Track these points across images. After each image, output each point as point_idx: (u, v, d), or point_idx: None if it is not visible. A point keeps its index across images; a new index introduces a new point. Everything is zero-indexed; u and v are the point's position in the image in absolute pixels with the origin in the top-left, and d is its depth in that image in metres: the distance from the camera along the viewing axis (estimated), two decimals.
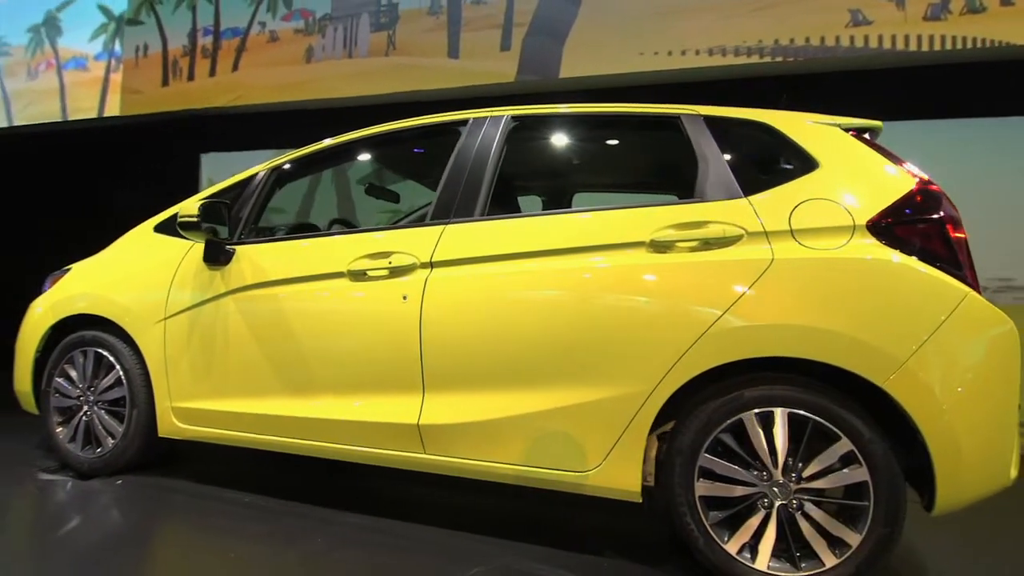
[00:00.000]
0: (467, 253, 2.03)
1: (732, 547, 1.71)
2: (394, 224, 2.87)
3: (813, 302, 1.69)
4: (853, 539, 1.63)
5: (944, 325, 1.61)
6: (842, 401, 1.66)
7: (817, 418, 1.66)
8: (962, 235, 1.74)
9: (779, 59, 4.01)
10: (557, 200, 3.02)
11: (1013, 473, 1.67)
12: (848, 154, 1.88)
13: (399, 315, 2.05)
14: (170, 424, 2.41)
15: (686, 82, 4.29)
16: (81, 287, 2.65)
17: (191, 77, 5.42)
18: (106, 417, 2.55)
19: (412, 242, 2.11)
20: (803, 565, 1.66)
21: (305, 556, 1.89)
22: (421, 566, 1.87)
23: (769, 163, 2.01)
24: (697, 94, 4.35)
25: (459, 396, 1.98)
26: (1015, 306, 3.73)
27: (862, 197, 1.78)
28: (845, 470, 1.66)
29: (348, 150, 2.52)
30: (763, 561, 1.68)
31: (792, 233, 1.76)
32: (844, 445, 1.65)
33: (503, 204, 2.34)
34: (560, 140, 2.51)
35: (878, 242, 1.71)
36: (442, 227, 2.10)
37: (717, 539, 1.73)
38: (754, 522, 1.70)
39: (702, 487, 1.75)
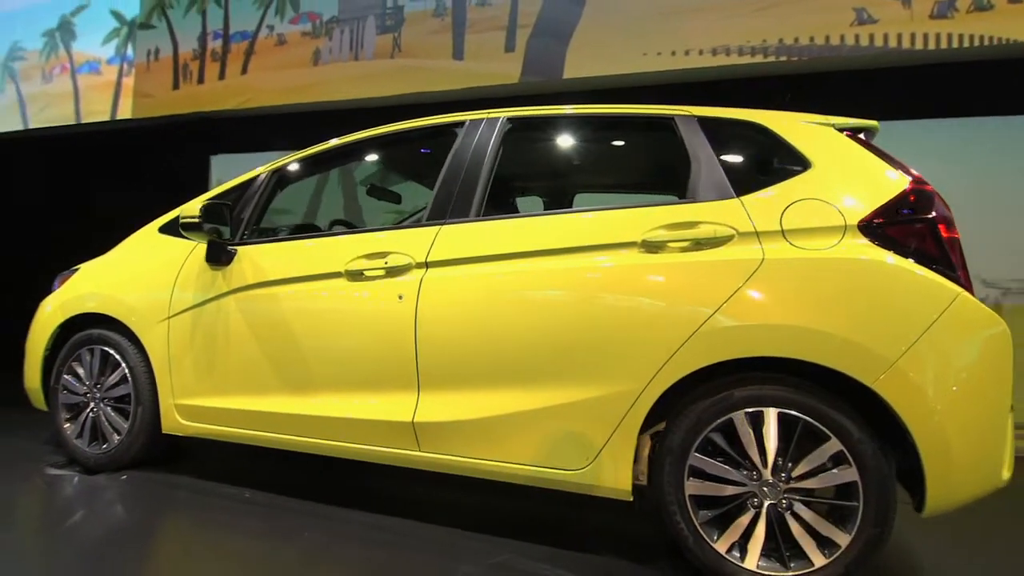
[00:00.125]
0: (462, 253, 2.05)
1: (722, 546, 1.72)
2: (397, 225, 2.90)
3: (802, 302, 1.69)
4: (842, 539, 1.63)
5: (935, 326, 1.61)
6: (832, 401, 1.66)
7: (807, 418, 1.66)
8: (955, 235, 1.73)
9: (783, 59, 3.99)
10: (555, 201, 3.04)
11: (1005, 474, 1.66)
12: (841, 154, 1.87)
13: (395, 314, 2.08)
14: (173, 421, 2.46)
15: (690, 82, 4.29)
16: (88, 287, 2.71)
17: (201, 80, 5.50)
18: (112, 414, 2.60)
19: (408, 242, 2.14)
20: (792, 565, 1.67)
21: (302, 552, 1.92)
22: (417, 563, 1.89)
23: (762, 163, 2.01)
24: (701, 94, 4.35)
25: (453, 395, 2.01)
26: None
27: (854, 197, 1.77)
28: (835, 470, 1.66)
29: (347, 152, 2.55)
30: (752, 560, 1.69)
31: (783, 233, 1.76)
32: (834, 445, 1.65)
33: (500, 205, 2.37)
34: (556, 141, 2.52)
35: (869, 242, 1.71)
36: (438, 228, 2.12)
37: (707, 538, 1.73)
38: (744, 521, 1.71)
39: (692, 486, 1.76)
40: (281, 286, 2.29)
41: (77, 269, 2.82)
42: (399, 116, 2.44)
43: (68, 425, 2.68)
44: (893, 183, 1.78)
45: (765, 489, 1.70)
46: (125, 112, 5.69)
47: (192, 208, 2.36)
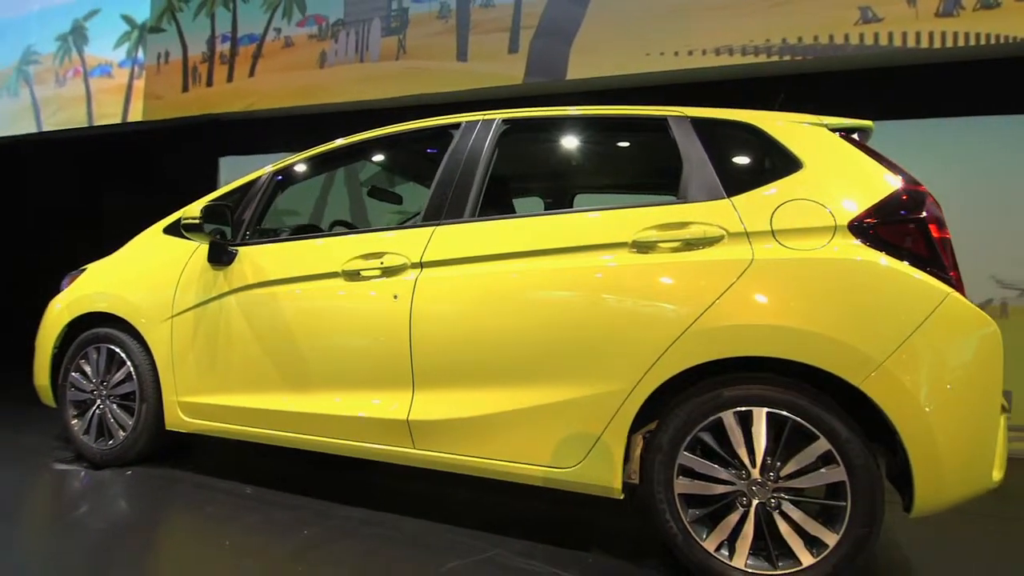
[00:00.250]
0: (456, 254, 2.08)
1: (710, 545, 1.73)
2: (395, 226, 2.93)
3: (791, 302, 1.70)
4: (830, 539, 1.64)
5: (923, 326, 1.61)
6: (820, 401, 1.67)
7: (795, 418, 1.67)
8: (946, 236, 1.73)
9: (787, 58, 3.98)
10: (551, 202, 3.05)
11: (996, 476, 1.65)
12: (833, 155, 1.87)
13: (390, 314, 2.11)
14: (176, 418, 2.51)
15: (693, 82, 4.28)
16: (95, 286, 2.77)
17: (210, 83, 5.58)
18: (117, 411, 2.66)
19: (404, 243, 2.17)
20: (780, 564, 1.67)
21: (297, 546, 1.96)
22: (405, 558, 1.92)
23: (754, 164, 2.02)
24: (705, 94, 4.36)
25: (446, 393, 2.03)
26: None
27: (845, 198, 1.77)
28: (823, 470, 1.66)
29: (345, 154, 2.59)
30: (741, 559, 1.70)
31: (773, 234, 1.77)
32: (822, 445, 1.65)
33: (497, 206, 2.38)
34: (551, 143, 2.54)
35: (859, 243, 1.71)
36: (433, 228, 2.15)
37: (696, 536, 1.74)
38: (732, 520, 1.72)
39: (681, 485, 1.77)
40: (280, 286, 2.33)
41: (84, 269, 2.88)
42: (404, 117, 2.47)
43: (76, 421, 2.74)
44: (884, 183, 1.78)
45: (754, 488, 1.70)
46: (136, 114, 5.79)
47: (193, 209, 2.41)
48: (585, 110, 2.23)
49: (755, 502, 1.70)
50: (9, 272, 6.23)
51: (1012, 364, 3.39)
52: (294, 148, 2.61)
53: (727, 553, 1.72)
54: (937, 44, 3.78)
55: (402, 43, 4.99)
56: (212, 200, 2.51)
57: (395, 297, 2.11)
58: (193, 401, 2.47)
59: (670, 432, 1.78)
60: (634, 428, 1.85)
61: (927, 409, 1.59)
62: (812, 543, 1.66)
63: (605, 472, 1.85)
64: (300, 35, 5.32)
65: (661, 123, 2.07)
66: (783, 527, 1.68)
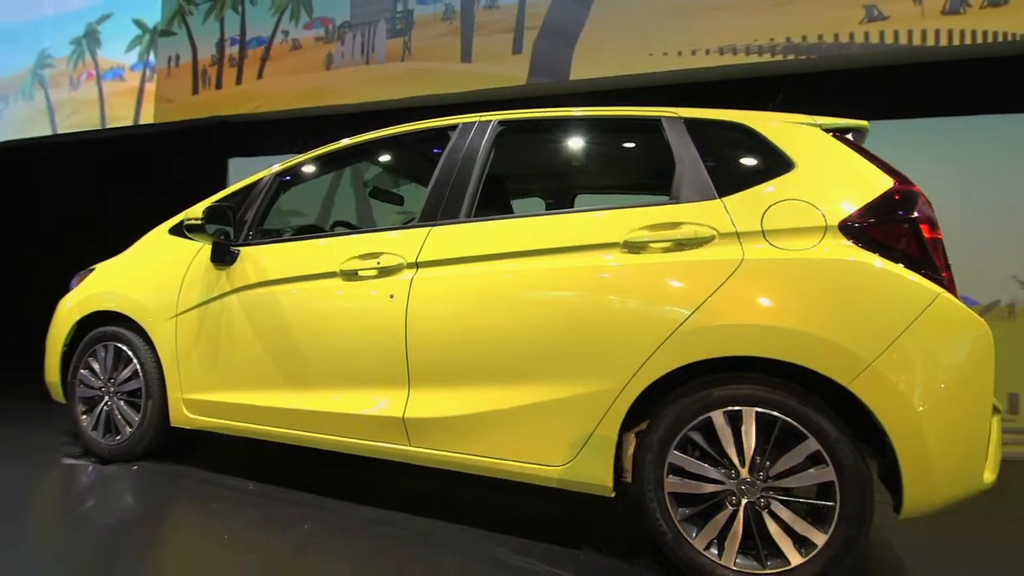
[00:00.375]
0: (451, 254, 2.10)
1: (700, 543, 1.74)
2: (396, 226, 2.96)
3: (780, 302, 1.71)
4: (819, 538, 1.64)
5: (913, 326, 1.61)
6: (809, 401, 1.67)
7: (784, 417, 1.68)
8: (938, 236, 1.72)
9: (791, 57, 3.96)
10: (550, 202, 3.07)
11: (988, 477, 1.65)
12: (825, 155, 1.88)
13: (386, 313, 2.14)
14: (180, 414, 2.57)
15: (697, 82, 4.28)
16: (103, 285, 2.83)
17: (219, 85, 5.66)
18: (124, 407, 2.72)
19: (400, 243, 2.20)
20: (769, 563, 1.68)
21: (295, 542, 2.00)
22: (405, 554, 1.95)
23: (746, 164, 2.02)
24: (709, 94, 4.35)
25: (441, 391, 2.06)
26: None
27: (836, 198, 1.78)
28: (812, 470, 1.67)
29: (345, 156, 2.63)
30: (730, 558, 1.71)
31: (764, 234, 1.78)
32: (811, 445, 1.66)
33: (494, 206, 2.40)
34: (547, 144, 2.56)
35: (850, 243, 1.71)
36: (428, 229, 2.18)
37: (685, 535, 1.76)
38: (722, 519, 1.73)
39: (671, 484, 1.78)
40: (280, 285, 2.37)
41: (93, 269, 2.95)
42: (410, 118, 2.49)
43: (84, 417, 2.81)
44: (876, 184, 1.78)
45: (743, 488, 1.71)
46: (147, 117, 5.89)
47: (196, 210, 2.46)
48: (580, 111, 2.24)
49: (744, 501, 1.71)
50: (23, 272, 6.36)
51: (1020, 366, 3.36)
52: (301, 149, 2.65)
53: (716, 552, 1.73)
54: (944, 42, 3.75)
55: (407, 45, 5.03)
56: (214, 201, 2.56)
57: (391, 297, 2.14)
58: (196, 398, 2.52)
59: (660, 431, 1.79)
60: (626, 427, 1.87)
61: (916, 409, 1.59)
62: (801, 543, 1.67)
63: (596, 470, 1.86)
64: (307, 37, 5.38)
65: (655, 124, 2.08)
66: (772, 527, 1.68)
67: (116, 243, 3.02)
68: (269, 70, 5.49)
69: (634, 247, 1.88)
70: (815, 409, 1.66)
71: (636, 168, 2.79)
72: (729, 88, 4.27)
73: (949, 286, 1.68)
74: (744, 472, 1.71)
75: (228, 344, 2.44)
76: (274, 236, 2.68)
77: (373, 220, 4.99)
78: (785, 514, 1.68)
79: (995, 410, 1.71)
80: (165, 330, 2.59)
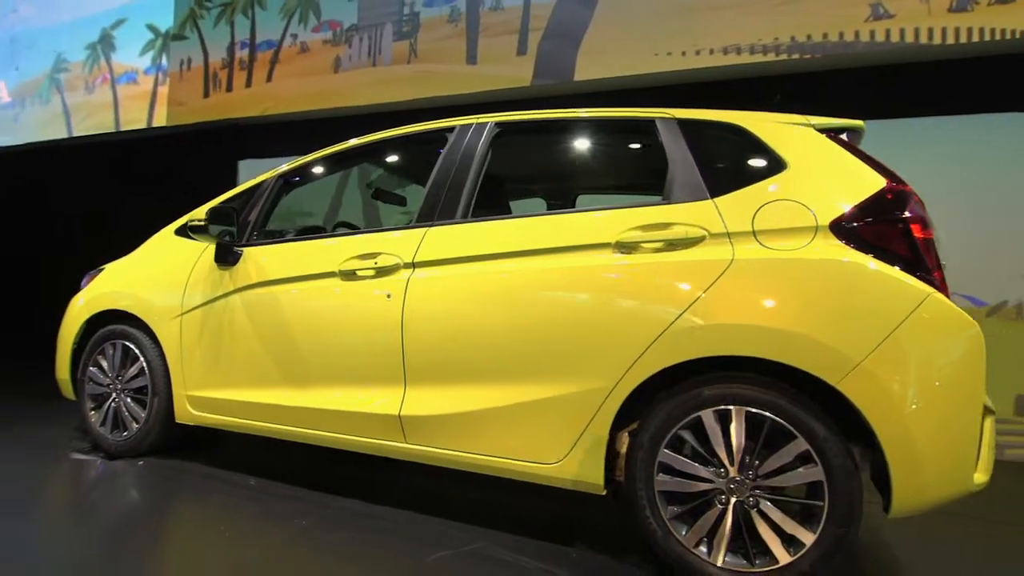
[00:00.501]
0: (446, 254, 2.13)
1: (689, 541, 1.75)
2: (394, 227, 2.99)
3: (769, 302, 1.71)
4: (807, 538, 1.64)
5: (902, 326, 1.60)
6: (799, 401, 1.67)
7: (774, 417, 1.68)
8: (929, 236, 1.72)
9: (795, 56, 3.95)
10: (547, 203, 3.08)
11: (980, 478, 1.64)
12: (818, 155, 1.88)
13: (383, 312, 2.17)
14: (185, 411, 2.62)
15: (701, 82, 4.27)
16: (112, 285, 2.90)
17: (230, 88, 5.76)
18: (131, 404, 2.78)
19: (397, 243, 2.23)
20: (758, 562, 1.68)
21: (291, 535, 2.03)
22: (393, 547, 1.98)
23: (738, 164, 2.03)
24: (713, 94, 4.34)
25: (436, 389, 2.09)
26: None
27: (828, 198, 1.78)
28: (800, 469, 1.67)
29: (346, 158, 2.67)
30: (719, 556, 1.71)
31: (754, 234, 1.78)
32: (800, 444, 1.66)
33: (491, 207, 2.43)
34: (544, 145, 2.58)
35: (840, 243, 1.71)
36: (425, 229, 2.21)
37: (675, 533, 1.77)
38: (711, 517, 1.74)
39: (661, 482, 1.79)
40: (281, 285, 2.41)
41: (102, 269, 3.02)
42: (416, 120, 2.52)
43: (93, 413, 2.87)
44: (868, 183, 1.78)
45: (732, 486, 1.72)
46: (160, 120, 6.00)
47: (201, 212, 2.51)
48: (576, 112, 2.26)
49: (733, 500, 1.71)
50: (37, 271, 6.51)
51: None
52: (310, 150, 2.69)
53: (706, 550, 1.74)
54: (951, 40, 3.71)
55: (413, 47, 5.08)
56: (218, 203, 2.61)
57: (388, 296, 2.17)
58: (200, 395, 2.58)
59: (651, 430, 1.81)
60: (620, 426, 1.89)
61: (905, 409, 1.59)
62: (790, 542, 1.67)
63: (587, 468, 1.88)
64: (315, 40, 5.46)
65: (649, 124, 2.09)
66: (761, 525, 1.69)
67: (128, 243, 3.09)
68: (278, 73, 5.57)
69: (626, 247, 1.89)
70: (805, 409, 1.66)
71: (632, 169, 2.80)
72: (734, 88, 4.26)
73: (941, 286, 1.67)
74: (733, 471, 1.72)
75: (230, 342, 2.49)
76: (277, 237, 2.73)
77: (380, 221, 5.04)
78: (774, 513, 1.68)
79: (988, 411, 1.70)
80: (170, 328, 2.65)
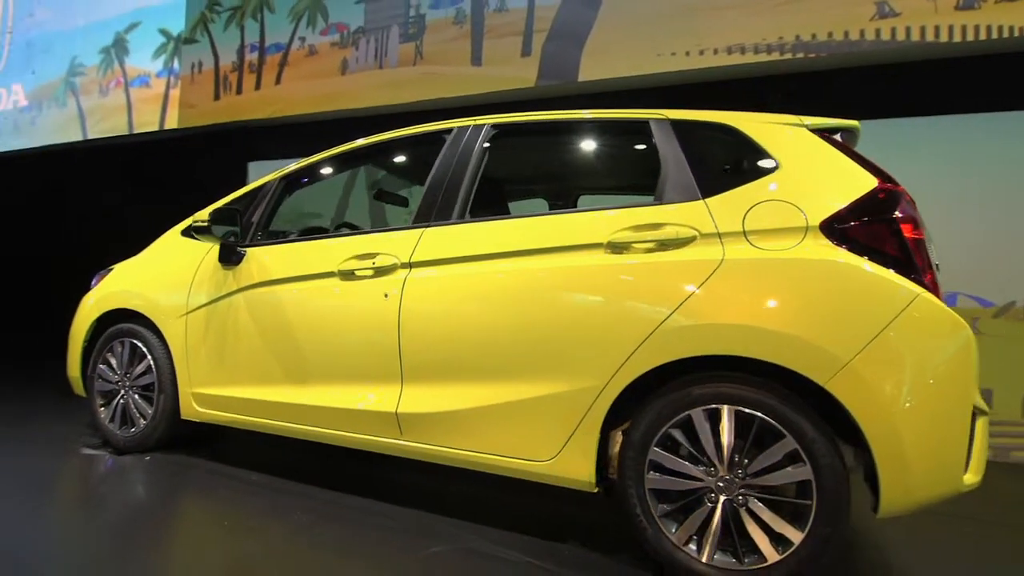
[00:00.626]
0: (443, 254, 2.17)
1: (679, 539, 1.77)
2: (392, 227, 3.02)
3: (758, 302, 1.72)
4: (796, 536, 1.65)
5: (891, 326, 1.61)
6: (788, 400, 1.68)
7: (763, 416, 1.69)
8: (920, 236, 1.72)
9: (800, 55, 3.93)
10: (551, 204, 3.11)
11: (970, 478, 1.64)
12: (810, 155, 1.88)
13: (381, 311, 2.21)
14: (190, 408, 2.68)
15: (705, 82, 4.27)
16: (120, 284, 2.98)
17: (239, 91, 5.84)
18: (139, 400, 2.85)
19: (395, 244, 2.27)
20: (746, 560, 1.70)
21: (289, 529, 2.08)
22: (389, 543, 2.02)
23: (731, 165, 2.04)
24: (717, 94, 4.33)
25: (432, 387, 2.12)
26: None
27: (819, 198, 1.78)
28: (789, 468, 1.68)
29: (346, 159, 2.71)
30: (708, 554, 1.73)
31: (745, 234, 1.79)
32: (788, 443, 1.67)
33: (488, 207, 2.46)
34: (540, 147, 2.60)
35: (830, 243, 1.72)
36: (422, 230, 2.24)
37: (665, 531, 1.78)
38: (700, 515, 1.75)
39: (652, 480, 1.81)
40: (282, 285, 2.46)
41: (112, 268, 3.09)
42: (421, 121, 2.56)
43: (102, 410, 2.95)
44: (860, 184, 1.78)
45: (721, 485, 1.73)
46: (172, 122, 6.10)
47: (205, 213, 2.56)
48: (572, 114, 2.28)
49: (723, 498, 1.73)
50: (52, 271, 6.64)
51: None
52: (318, 152, 2.74)
53: (695, 548, 1.75)
54: (958, 38, 3.67)
55: (419, 49, 5.12)
56: (222, 204, 2.67)
57: (386, 296, 2.21)
58: (205, 392, 2.63)
59: (642, 428, 1.82)
60: (612, 425, 1.91)
61: (893, 409, 1.59)
62: (778, 540, 1.68)
63: (578, 466, 1.90)
64: (323, 43, 5.52)
65: (643, 126, 2.11)
66: (750, 524, 1.70)
67: (140, 244, 3.17)
68: (287, 75, 5.64)
69: (617, 247, 1.91)
70: (794, 408, 1.67)
71: (627, 169, 2.81)
72: (738, 88, 4.26)
73: (932, 286, 1.67)
74: (723, 470, 1.73)
75: (234, 341, 2.55)
76: (280, 237, 2.78)
77: (385, 222, 5.09)
78: (763, 511, 1.69)
79: (980, 412, 1.70)
80: (176, 327, 2.71)
